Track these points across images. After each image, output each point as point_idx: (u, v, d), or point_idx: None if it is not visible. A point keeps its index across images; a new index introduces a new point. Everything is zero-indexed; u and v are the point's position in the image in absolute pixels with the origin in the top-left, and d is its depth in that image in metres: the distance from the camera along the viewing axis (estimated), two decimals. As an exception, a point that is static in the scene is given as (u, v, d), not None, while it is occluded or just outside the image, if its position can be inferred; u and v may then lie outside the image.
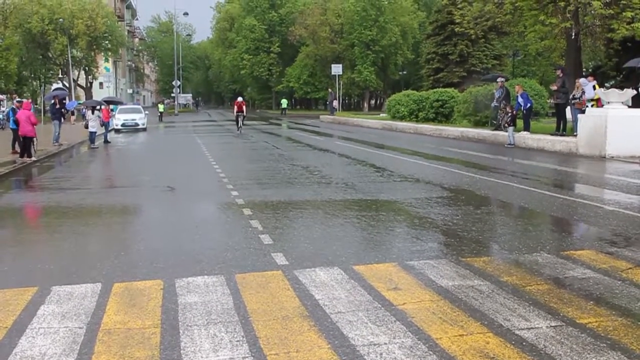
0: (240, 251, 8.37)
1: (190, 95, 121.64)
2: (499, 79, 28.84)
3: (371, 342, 5.14)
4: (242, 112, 38.49)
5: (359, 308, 5.93)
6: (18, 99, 27.83)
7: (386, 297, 6.25)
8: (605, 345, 5.03)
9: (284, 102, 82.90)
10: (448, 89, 39.46)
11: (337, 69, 65.45)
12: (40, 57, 71.37)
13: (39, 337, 5.43)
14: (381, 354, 4.90)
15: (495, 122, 27.81)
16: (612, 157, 19.52)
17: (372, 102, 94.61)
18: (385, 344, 5.11)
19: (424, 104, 38.32)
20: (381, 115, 52.72)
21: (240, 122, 37.85)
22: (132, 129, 42.74)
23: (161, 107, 69.37)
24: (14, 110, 24.70)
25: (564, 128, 24.02)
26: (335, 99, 64.63)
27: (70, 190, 15.27)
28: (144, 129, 43.09)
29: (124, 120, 43.23)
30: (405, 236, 9.38)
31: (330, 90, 69.44)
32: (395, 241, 9.05)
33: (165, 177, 17.16)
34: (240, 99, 40.34)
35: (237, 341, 5.19)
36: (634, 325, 5.45)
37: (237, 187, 14.26)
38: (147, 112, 51.99)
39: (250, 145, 29.24)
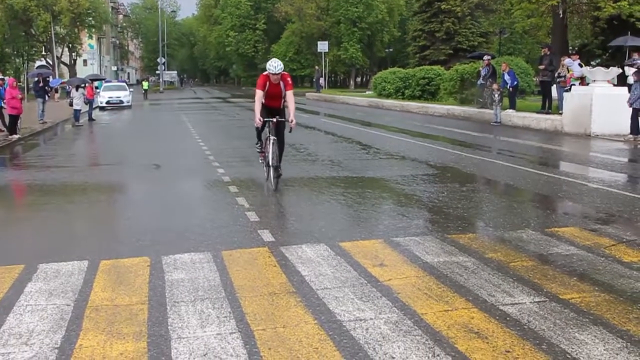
0: (227, 228, 8.39)
1: (176, 72, 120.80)
2: (485, 57, 28.84)
3: (357, 318, 5.18)
4: (280, 115, 11.32)
5: (345, 284, 5.96)
6: (0, 77, 27.54)
7: (372, 274, 6.29)
8: (588, 320, 5.09)
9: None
10: (434, 67, 39.39)
11: (323, 46, 65.15)
12: (23, 34, 70.64)
13: (26, 314, 5.43)
14: (367, 329, 4.95)
15: (481, 100, 27.85)
16: (597, 135, 19.63)
17: (358, 79, 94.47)
18: (371, 319, 5.15)
19: (410, 81, 38.26)
20: (367, 92, 52.66)
21: (271, 152, 11.09)
22: (116, 106, 42.47)
23: (146, 85, 68.88)
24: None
25: (549, 106, 24.09)
26: (322, 76, 64.42)
27: (55, 168, 15.21)
28: (129, 107, 42.84)
29: (109, 97, 42.93)
30: (391, 213, 9.42)
31: (316, 67, 69.18)
32: (381, 218, 9.10)
33: (150, 154, 17.10)
34: (275, 69, 10.77)
35: (224, 317, 5.22)
36: (616, 301, 5.52)
37: (223, 164, 14.25)
38: (132, 89, 51.70)
39: (236, 122, 29.17)
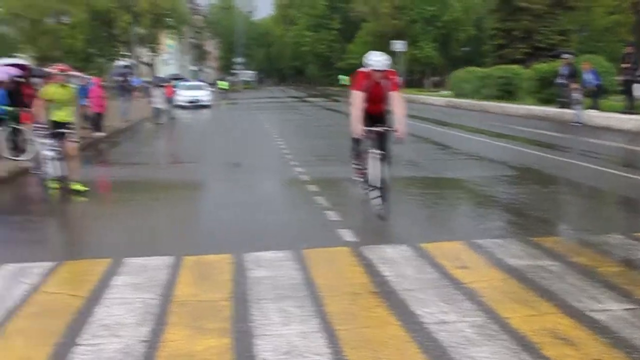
0: (307, 227, 8.44)
1: (252, 72, 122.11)
2: (565, 56, 28.14)
3: (441, 320, 5.13)
4: (384, 123, 8.99)
5: (427, 286, 5.91)
6: (85, 76, 28.29)
7: (454, 276, 6.22)
8: (682, 328, 4.92)
9: (344, 79, 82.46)
10: (512, 66, 38.68)
11: (398, 46, 64.79)
12: (105, 34, 72.57)
13: (114, 307, 5.58)
14: (451, 332, 4.89)
15: (561, 99, 27.20)
16: (685, 136, 18.95)
17: (434, 79, 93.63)
18: (455, 322, 5.09)
19: (487, 81, 37.70)
20: (443, 92, 52.14)
21: (375, 170, 8.69)
22: (195, 105, 43.22)
23: (223, 84, 69.85)
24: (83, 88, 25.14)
25: (632, 106, 23.35)
26: (398, 75, 64.09)
27: (138, 165, 15.60)
28: (208, 106, 43.52)
29: (188, 96, 43.70)
30: (472, 214, 9.31)
31: (393, 66, 68.89)
32: (462, 219, 9.01)
33: (229, 153, 17.35)
34: (379, 64, 8.64)
35: (307, 315, 5.24)
36: None
37: (301, 163, 14.33)
38: (210, 88, 52.53)
39: (312, 121, 29.31)
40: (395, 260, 6.75)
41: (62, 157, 10.74)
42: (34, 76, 21.27)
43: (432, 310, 5.34)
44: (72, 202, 10.62)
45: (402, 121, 8.58)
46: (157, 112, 29.67)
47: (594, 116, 23.74)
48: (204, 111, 40.55)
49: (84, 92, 23.62)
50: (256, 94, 76.43)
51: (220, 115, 37.54)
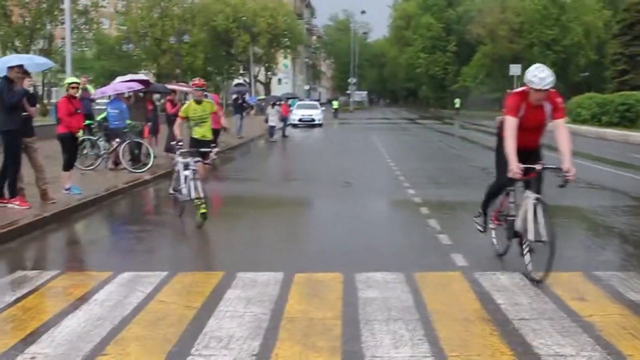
0: (419, 249, 8.34)
1: (365, 92, 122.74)
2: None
3: (556, 353, 4.93)
4: (536, 158, 7.25)
5: (542, 316, 5.71)
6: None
7: (571, 307, 5.98)
8: None
9: (457, 102, 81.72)
10: (635, 92, 37.26)
11: (515, 69, 63.47)
12: (224, 53, 74.86)
13: (225, 319, 5.66)
14: (568, 365, 4.71)
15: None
16: None
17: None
18: (572, 355, 4.88)
19: (608, 107, 36.43)
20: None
21: (531, 220, 6.95)
22: (308, 124, 43.77)
23: (336, 104, 70.45)
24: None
25: None
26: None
27: (251, 182, 15.89)
28: (320, 125, 43.99)
29: (301, 115, 44.37)
30: (591, 245, 8.96)
31: (508, 91, 67.69)
32: (580, 249, 8.67)
33: (341, 172, 17.42)
34: (543, 82, 6.74)
35: (418, 339, 5.15)
36: None
37: (413, 185, 14.22)
38: (323, 108, 53.10)
39: (425, 144, 29.08)
40: (509, 288, 6.56)
41: (199, 177, 9.92)
42: (155, 92, 22.13)
43: (547, 341, 5.14)
44: (185, 216, 10.88)
45: (569, 158, 6.80)
46: (272, 129, 30.20)
47: None
48: (317, 130, 40.99)
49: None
50: (368, 114, 76.70)
51: (332, 135, 37.84)
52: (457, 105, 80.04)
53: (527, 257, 6.94)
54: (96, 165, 16.10)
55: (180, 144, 10.31)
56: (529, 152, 7.04)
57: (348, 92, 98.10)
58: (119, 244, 9.60)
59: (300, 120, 43.81)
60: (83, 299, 6.22)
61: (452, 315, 5.75)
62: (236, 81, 76.06)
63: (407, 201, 12.29)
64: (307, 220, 11.26)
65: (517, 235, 7.28)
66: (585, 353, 4.92)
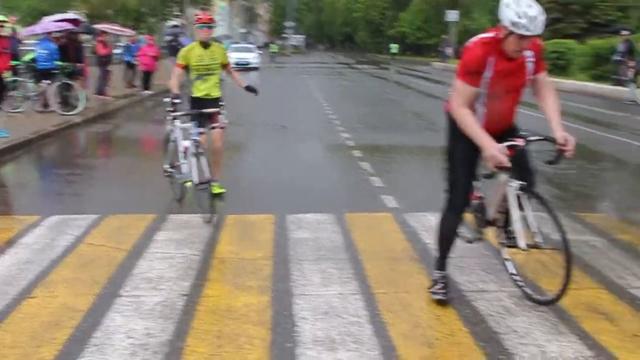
0: (351, 191, 8.42)
1: (303, 37, 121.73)
2: (623, 32, 27.42)
3: (480, 289, 5.10)
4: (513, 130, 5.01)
5: (468, 255, 5.84)
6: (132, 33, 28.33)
7: (496, 247, 6.13)
8: None
9: (394, 47, 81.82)
10: (566, 40, 37.84)
11: (452, 15, 63.88)
12: (159, -7, 72.93)
13: (156, 261, 5.65)
14: (490, 301, 4.86)
15: (616, 77, 26.57)
16: None
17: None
18: (495, 291, 5.06)
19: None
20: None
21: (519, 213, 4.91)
22: (244, 67, 43.25)
23: (274, 47, 69.80)
24: (128, 46, 25.21)
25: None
26: (450, 45, 63.26)
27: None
28: (256, 68, 43.53)
29: (237, 58, 43.68)
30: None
31: (443, 36, 67.97)
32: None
33: (277, 115, 17.36)
34: (533, 25, 4.29)
35: (347, 278, 5.25)
36: None
37: (348, 129, 14.28)
38: (260, 51, 52.53)
39: (361, 89, 29.12)
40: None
41: (204, 151, 7.15)
42: (85, 33, 21.47)
43: (472, 279, 5.31)
44: (117, 159, 10.68)
45: (560, 123, 4.82)
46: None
47: (650, 94, 23.16)
48: (252, 73, 40.57)
49: (133, 50, 23.87)
50: (305, 58, 76.19)
51: (268, 78, 37.53)
52: (394, 51, 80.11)
53: (510, 265, 5.19)
54: (23, 107, 15.63)
55: (176, 100, 7.35)
56: (503, 124, 4.92)
57: (285, 36, 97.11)
58: (47, 188, 9.43)
59: (236, 63, 43.10)
60: (10, 243, 6.12)
61: (381, 254, 5.86)
62: (171, 23, 74.47)
63: (341, 145, 12.36)
64: (241, 164, 11.20)
65: (491, 224, 5.29)
66: (506, 289, 5.10)
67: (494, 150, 4.45)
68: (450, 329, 4.42)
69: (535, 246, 4.82)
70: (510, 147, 4.60)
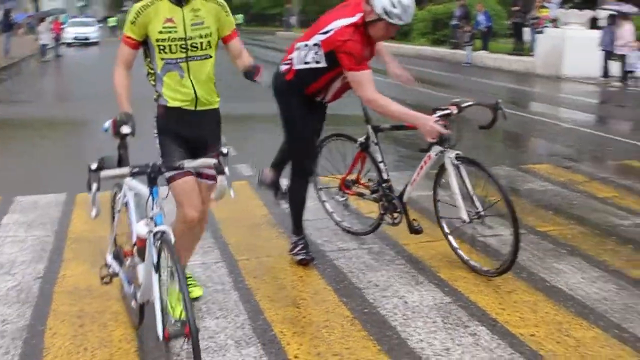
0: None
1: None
2: (459, -3, 28.63)
3: (340, 248, 5.26)
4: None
5: (324, 215, 5.95)
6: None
7: (354, 207, 6.31)
8: (565, 251, 5.22)
9: (240, 17, 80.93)
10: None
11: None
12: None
13: (6, 245, 5.42)
14: (351, 258, 5.04)
15: (454, 41, 27.75)
16: (568, 77, 19.71)
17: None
18: (355, 249, 5.24)
19: (381, 21, 37.90)
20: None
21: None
22: (84, 42, 41.56)
23: (112, 21, 67.28)
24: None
25: (521, 48, 24.13)
26: (293, 15, 63.59)
27: (23, 103, 14.99)
28: (96, 43, 41.93)
29: (75, 33, 41.94)
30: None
31: (288, 5, 68.18)
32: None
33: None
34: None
35: (208, 247, 5.25)
36: (592, 234, 5.66)
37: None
38: (99, 25, 50.64)
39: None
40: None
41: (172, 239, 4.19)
42: None
43: (331, 239, 5.45)
44: None
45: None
46: (44, 48, 28.38)
47: (484, 57, 24.40)
48: (93, 49, 39.11)
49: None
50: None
51: (109, 53, 36.29)
52: (240, 21, 79.16)
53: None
54: None
55: (125, 130, 3.76)
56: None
57: (124, 8, 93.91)
58: None
59: (75, 38, 41.41)
60: None
61: (241, 222, 5.90)
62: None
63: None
64: (84, 140, 10.82)
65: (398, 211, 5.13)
66: (366, 246, 5.30)
67: (431, 123, 4.60)
68: (314, 288, 4.53)
69: (480, 216, 4.77)
70: (442, 116, 4.74)
